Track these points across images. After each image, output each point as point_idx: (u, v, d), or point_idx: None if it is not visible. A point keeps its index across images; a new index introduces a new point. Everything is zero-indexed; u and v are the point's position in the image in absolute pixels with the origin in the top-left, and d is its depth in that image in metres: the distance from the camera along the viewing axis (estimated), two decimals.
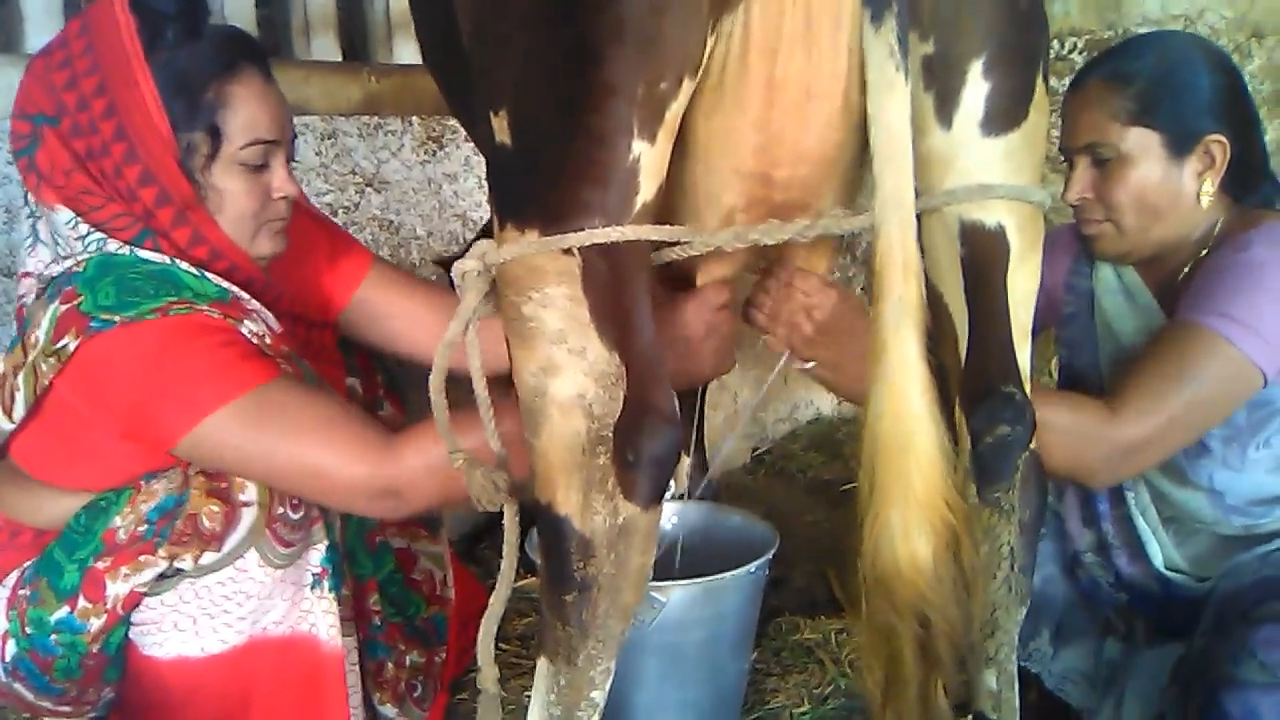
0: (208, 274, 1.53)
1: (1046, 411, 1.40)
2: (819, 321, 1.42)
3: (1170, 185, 1.63)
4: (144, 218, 1.49)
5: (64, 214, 1.49)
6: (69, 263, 1.49)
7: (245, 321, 1.52)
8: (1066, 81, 1.75)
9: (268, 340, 1.54)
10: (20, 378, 1.46)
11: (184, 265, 1.51)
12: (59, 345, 1.41)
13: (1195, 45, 1.72)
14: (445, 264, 2.33)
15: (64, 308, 1.43)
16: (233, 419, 1.42)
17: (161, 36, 1.48)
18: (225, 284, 1.54)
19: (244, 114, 1.52)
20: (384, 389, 1.96)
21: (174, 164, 1.49)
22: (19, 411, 1.48)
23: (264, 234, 1.59)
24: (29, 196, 1.53)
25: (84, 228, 1.49)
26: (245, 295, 1.56)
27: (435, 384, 1.33)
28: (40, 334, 1.44)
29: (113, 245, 1.49)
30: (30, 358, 1.45)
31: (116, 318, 1.41)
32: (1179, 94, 1.61)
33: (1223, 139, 1.60)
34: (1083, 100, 1.67)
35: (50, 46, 1.53)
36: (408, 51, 3.16)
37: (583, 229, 1.11)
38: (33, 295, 1.53)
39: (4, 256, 2.21)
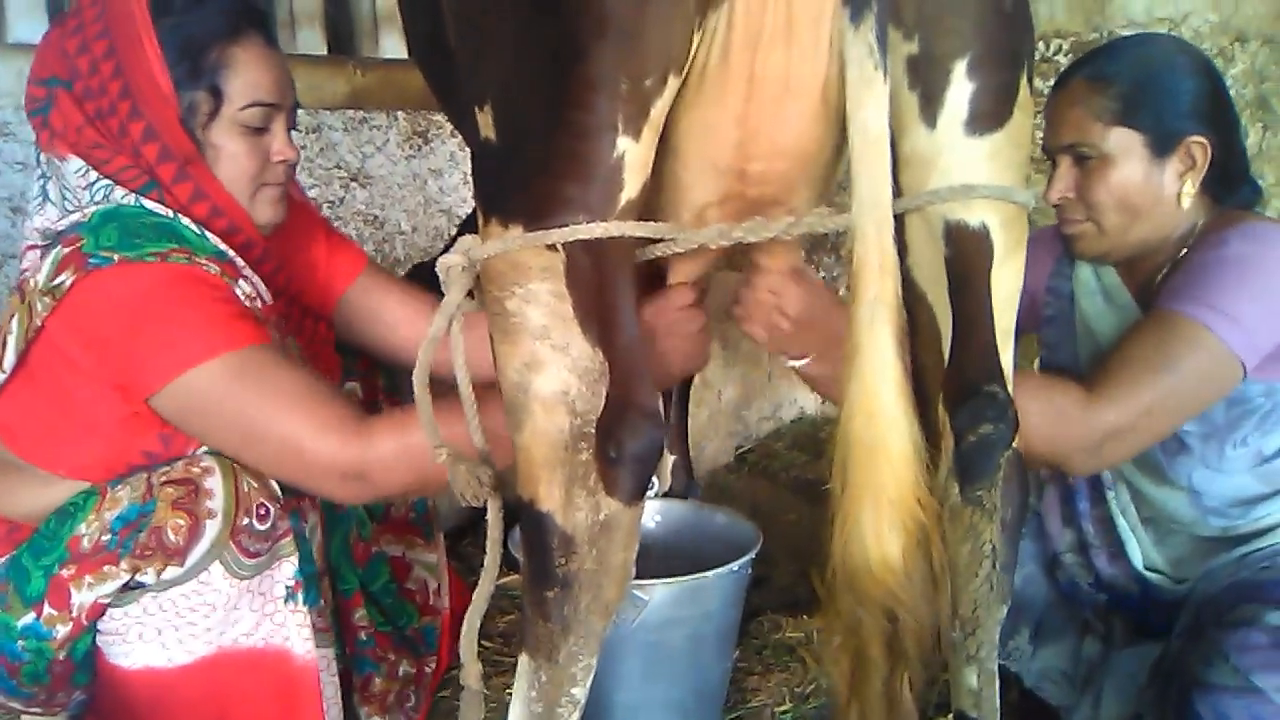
0: (208, 233, 1.54)
1: (1025, 391, 1.40)
2: (793, 316, 1.42)
3: (1151, 185, 1.64)
4: (149, 172, 1.52)
5: (74, 163, 1.52)
6: (75, 215, 1.50)
7: (239, 281, 1.53)
8: (1051, 83, 1.76)
9: (259, 305, 1.55)
10: (14, 320, 1.47)
11: (186, 221, 1.53)
12: (55, 282, 1.42)
13: (1178, 48, 1.73)
14: (418, 273, 2.32)
15: (66, 250, 1.45)
16: (216, 374, 1.42)
17: (169, 2, 1.52)
18: (223, 245, 1.55)
19: (245, 76, 1.55)
20: (384, 393, 1.96)
21: (175, 121, 1.52)
22: (9, 359, 1.48)
23: (262, 198, 1.61)
24: (40, 156, 1.56)
25: (93, 175, 1.51)
26: (241, 261, 1.57)
27: (419, 378, 1.32)
28: (41, 277, 1.45)
29: (119, 194, 1.51)
30: (28, 298, 1.46)
31: (115, 255, 1.42)
32: (1161, 95, 1.62)
33: (1204, 140, 1.62)
34: (1066, 100, 1.68)
35: (64, 15, 1.58)
36: (393, 45, 3.15)
37: (567, 225, 1.11)
38: (34, 270, 1.53)
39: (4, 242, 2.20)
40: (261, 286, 1.59)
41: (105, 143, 1.52)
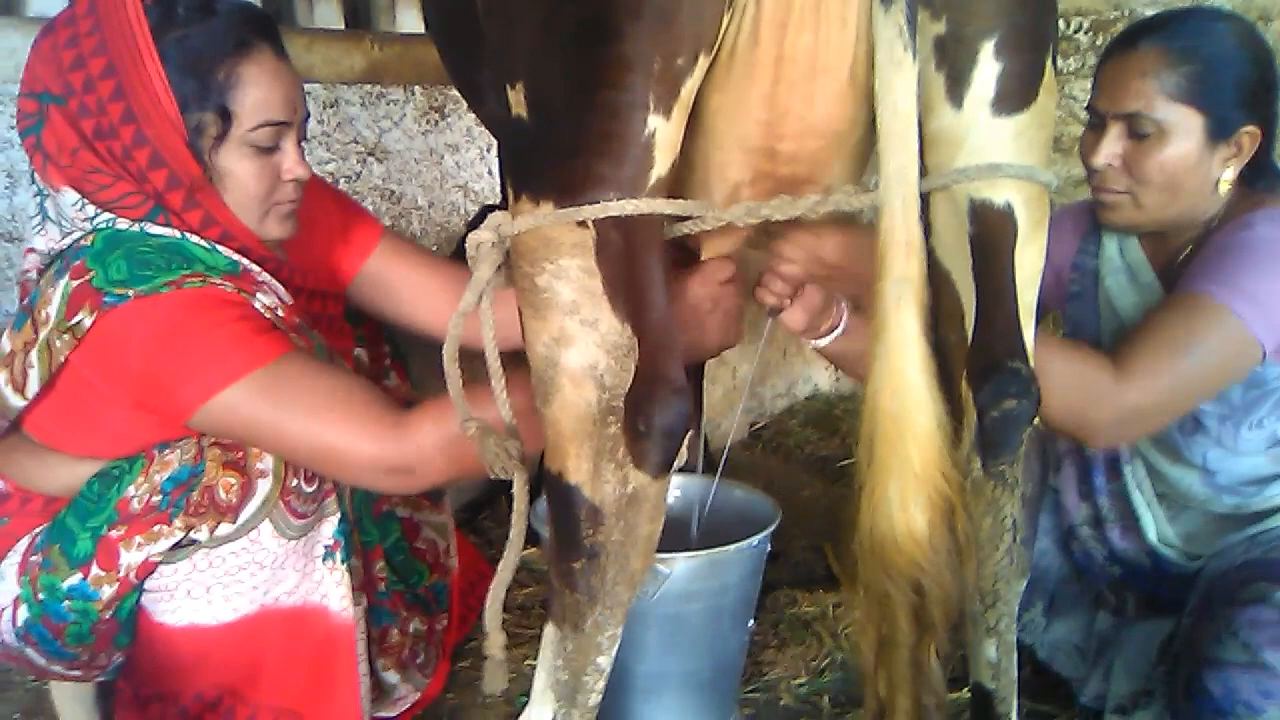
0: (219, 247, 1.52)
1: (1054, 358, 1.42)
2: (830, 260, 1.42)
3: (1201, 168, 1.63)
4: (155, 197, 1.48)
5: (70, 196, 1.48)
6: (76, 236, 1.49)
7: (257, 295, 1.51)
8: (1071, 62, 1.76)
9: (280, 313, 1.54)
10: (34, 354, 1.46)
11: (193, 239, 1.50)
12: (74, 321, 1.41)
13: (1248, 33, 1.69)
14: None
15: (75, 283, 1.43)
16: (246, 394, 1.42)
17: (172, 14, 1.47)
18: (236, 256, 1.54)
19: (255, 95, 1.49)
20: (390, 359, 1.97)
21: (182, 146, 1.47)
22: (32, 388, 1.48)
23: (272, 217, 1.57)
24: (35, 175, 1.52)
25: (91, 209, 1.48)
26: (255, 268, 1.56)
27: (449, 353, 1.34)
28: (51, 310, 1.44)
29: (122, 224, 1.48)
30: (43, 334, 1.45)
31: (130, 291, 1.41)
32: (1231, 81, 1.61)
33: (1255, 130, 1.62)
34: (1134, 67, 1.63)
35: (56, 24, 1.51)
36: (410, 20, 3.15)
37: (598, 202, 1.13)
38: (35, 271, 1.53)
39: (5, 221, 2.21)
40: (280, 290, 1.58)
41: (104, 167, 1.46)
